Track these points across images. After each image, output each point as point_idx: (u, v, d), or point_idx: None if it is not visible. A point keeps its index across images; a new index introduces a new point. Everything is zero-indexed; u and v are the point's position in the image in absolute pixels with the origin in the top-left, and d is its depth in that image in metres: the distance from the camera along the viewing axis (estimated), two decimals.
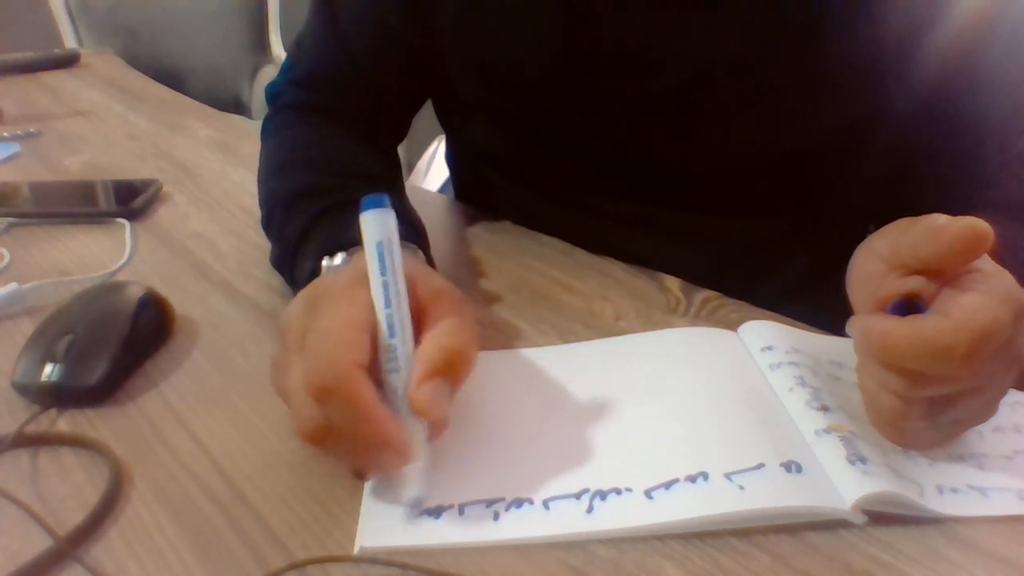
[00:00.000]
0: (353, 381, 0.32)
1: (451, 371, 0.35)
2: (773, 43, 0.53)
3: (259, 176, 0.62)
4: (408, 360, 0.35)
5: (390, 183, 0.60)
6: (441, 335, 0.36)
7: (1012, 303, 0.34)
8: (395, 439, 0.33)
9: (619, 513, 0.34)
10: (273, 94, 0.68)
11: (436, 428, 0.36)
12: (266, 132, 0.66)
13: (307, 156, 0.60)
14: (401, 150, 0.71)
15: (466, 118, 0.69)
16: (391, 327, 0.35)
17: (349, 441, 0.33)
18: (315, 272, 0.45)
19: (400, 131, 0.70)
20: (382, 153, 0.64)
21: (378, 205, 0.36)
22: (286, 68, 0.68)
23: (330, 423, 0.33)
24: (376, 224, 0.35)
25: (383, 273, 0.35)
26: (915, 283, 0.35)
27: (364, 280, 0.36)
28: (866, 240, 0.38)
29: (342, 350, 0.33)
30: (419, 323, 0.37)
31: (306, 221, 0.50)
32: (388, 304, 0.35)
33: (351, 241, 0.44)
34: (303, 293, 0.38)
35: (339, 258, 0.44)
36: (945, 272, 0.35)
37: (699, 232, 0.63)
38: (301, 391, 0.33)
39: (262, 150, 0.64)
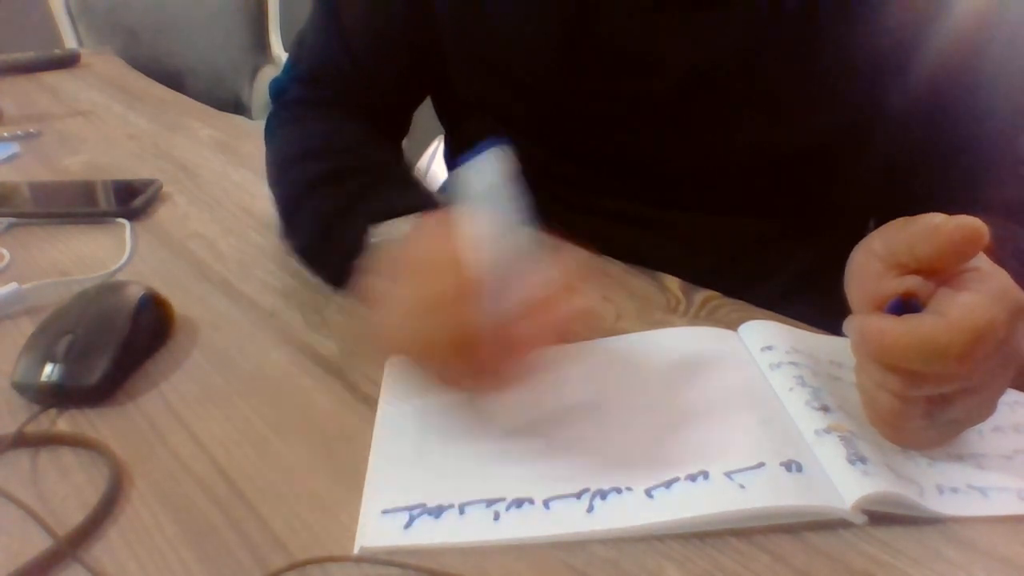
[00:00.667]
0: (473, 330, 0.36)
1: (551, 310, 0.38)
2: (773, 43, 0.53)
3: (273, 168, 0.62)
4: (513, 301, 0.37)
5: (408, 167, 0.62)
6: (544, 278, 0.38)
7: (1008, 302, 0.34)
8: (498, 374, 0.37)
9: (619, 512, 0.34)
10: (277, 91, 0.68)
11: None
12: (271, 127, 0.66)
13: (325, 144, 0.61)
14: None
15: (466, 116, 0.69)
16: (499, 267, 0.37)
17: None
18: (361, 239, 0.48)
19: (402, 126, 0.71)
20: (391, 144, 0.66)
21: (489, 151, 0.37)
22: (289, 65, 0.69)
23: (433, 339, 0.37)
24: (486, 170, 0.37)
25: (492, 213, 0.37)
26: (912, 282, 0.35)
27: (466, 228, 0.38)
28: (864, 239, 0.38)
29: (464, 292, 0.36)
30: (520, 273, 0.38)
31: (344, 199, 0.52)
32: (497, 245, 0.37)
33: (404, 209, 0.49)
34: (413, 243, 0.41)
35: (391, 227, 0.48)
36: (942, 271, 0.35)
37: (699, 231, 0.63)
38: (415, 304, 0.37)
39: (271, 144, 0.65)
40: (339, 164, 0.57)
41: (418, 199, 0.51)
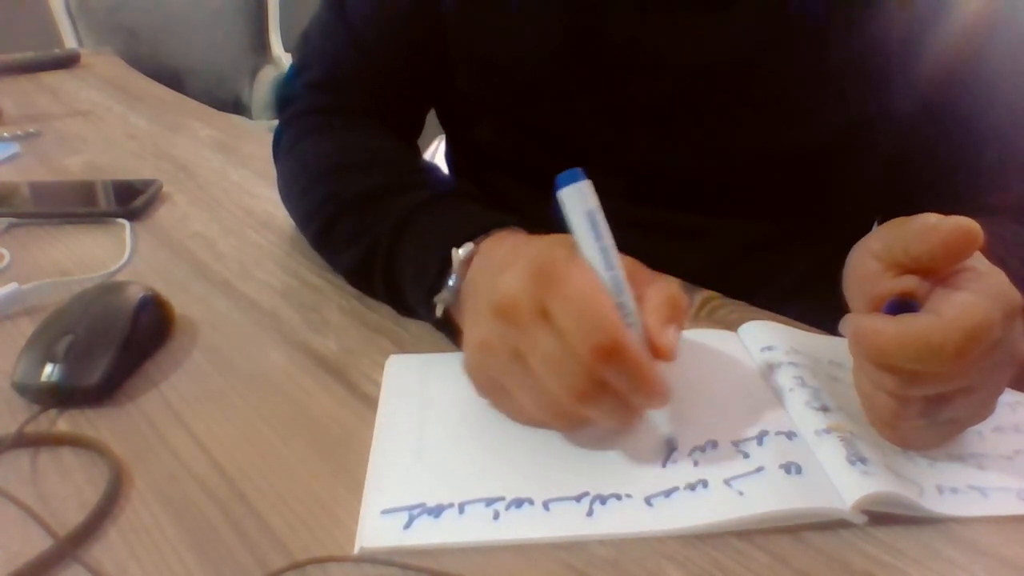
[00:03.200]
0: (628, 338, 0.34)
1: (679, 317, 0.38)
2: (776, 43, 0.53)
3: (299, 183, 0.60)
4: (635, 314, 0.37)
5: (442, 176, 0.60)
6: (662, 288, 0.38)
7: (1003, 302, 0.34)
8: (662, 383, 0.35)
9: (618, 518, 0.34)
10: (287, 98, 0.66)
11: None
12: (288, 138, 0.64)
13: (360, 159, 0.58)
14: None
15: (467, 116, 0.69)
16: (618, 286, 0.37)
17: (617, 396, 0.35)
18: (445, 263, 0.44)
19: (417, 125, 0.70)
20: (415, 149, 0.65)
21: (575, 179, 0.37)
22: (298, 70, 0.66)
23: (599, 382, 0.34)
24: (583, 195, 0.37)
25: (599, 239, 0.37)
26: (908, 282, 0.36)
27: (574, 250, 0.37)
28: (861, 240, 0.38)
29: (608, 311, 0.34)
30: None
31: (400, 216, 0.49)
32: (611, 266, 0.37)
33: (478, 229, 0.45)
34: (516, 269, 0.37)
35: (464, 250, 0.44)
36: (938, 271, 0.35)
37: (700, 233, 0.63)
38: (564, 356, 0.34)
39: (289, 158, 0.62)
40: (387, 178, 0.54)
41: (488, 218, 0.47)
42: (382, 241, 0.50)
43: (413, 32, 0.62)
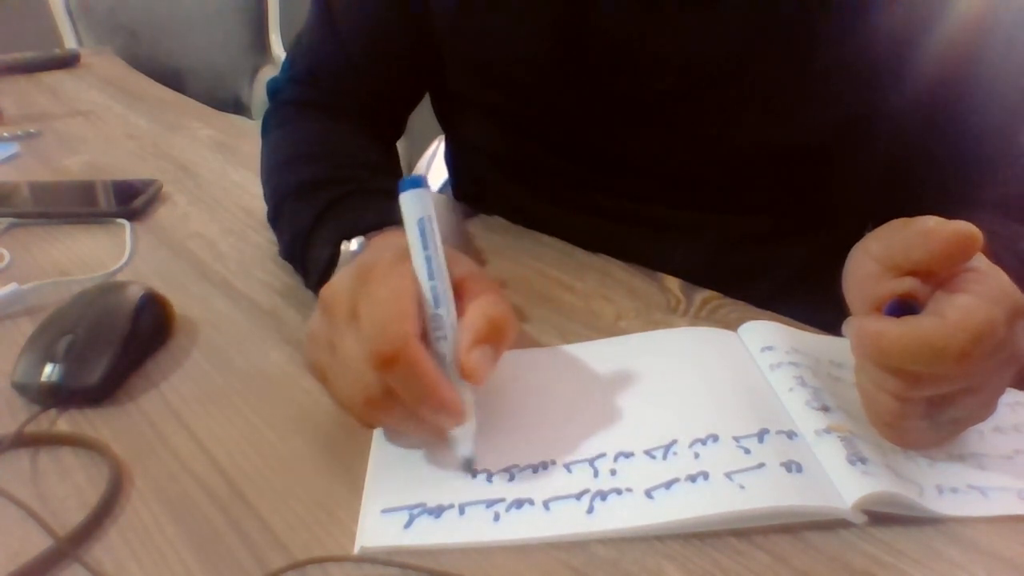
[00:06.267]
0: (414, 348, 0.34)
1: (496, 338, 0.37)
2: (769, 40, 0.53)
3: (263, 171, 0.63)
4: (453, 329, 0.37)
5: (395, 174, 0.61)
6: (484, 305, 0.37)
7: (1006, 302, 0.34)
8: (453, 401, 0.35)
9: (619, 513, 0.34)
10: (273, 90, 0.69)
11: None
12: (266, 128, 0.67)
13: (312, 150, 0.61)
14: (401, 150, 0.72)
15: (463, 115, 0.70)
16: (436, 298, 0.36)
17: (406, 406, 0.35)
18: (333, 256, 0.47)
19: (398, 127, 0.71)
20: (383, 147, 0.65)
21: (417, 184, 0.37)
22: (287, 65, 0.69)
23: (388, 390, 0.34)
24: (417, 201, 0.37)
25: (426, 248, 0.37)
26: (909, 284, 0.36)
27: (406, 256, 0.37)
28: (861, 241, 0.38)
29: (400, 320, 0.34)
30: (457, 299, 0.38)
31: (318, 210, 0.51)
32: (432, 276, 0.36)
33: (368, 226, 0.47)
34: (349, 269, 0.39)
35: (356, 242, 0.46)
36: (938, 273, 0.35)
37: (695, 228, 0.63)
38: (359, 360, 0.35)
39: (263, 145, 0.65)
40: (324, 171, 0.56)
41: (390, 213, 0.49)
42: (302, 232, 0.52)
43: (398, 32, 0.63)
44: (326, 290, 0.38)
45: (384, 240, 0.46)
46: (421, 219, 0.36)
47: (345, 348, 0.36)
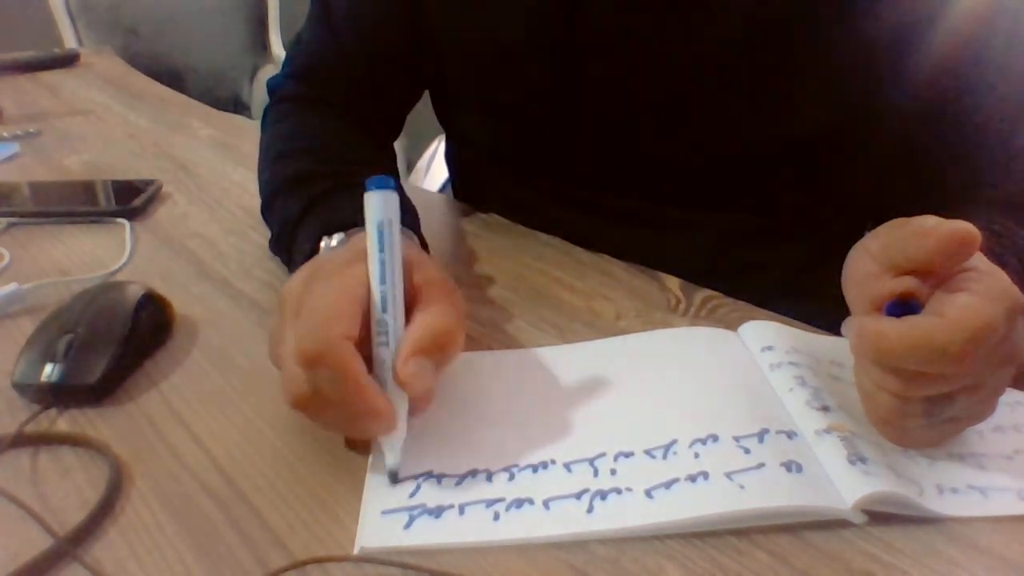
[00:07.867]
0: (339, 350, 0.34)
1: (437, 350, 0.36)
2: (766, 36, 0.53)
3: (259, 165, 0.63)
4: (397, 336, 0.36)
5: (387, 170, 0.61)
6: (430, 316, 0.37)
7: (1006, 302, 0.34)
8: (377, 407, 0.34)
9: (619, 513, 0.34)
10: (273, 87, 0.69)
11: (419, 403, 0.38)
12: (265, 123, 0.68)
13: (305, 144, 0.61)
14: (401, 150, 0.72)
15: (463, 114, 0.70)
16: (384, 302, 0.36)
17: (334, 408, 0.35)
18: (314, 251, 0.47)
19: (395, 126, 0.71)
20: (378, 144, 0.66)
21: (383, 186, 0.37)
22: (285, 63, 0.70)
23: (317, 390, 0.34)
24: (379, 204, 0.36)
25: (381, 251, 0.36)
26: (909, 283, 0.36)
27: (362, 257, 0.37)
28: (860, 241, 0.38)
29: (332, 321, 0.34)
30: (411, 306, 0.38)
31: (305, 203, 0.52)
32: (383, 281, 0.36)
33: (349, 222, 0.46)
34: (304, 268, 0.39)
35: (336, 238, 0.46)
36: (937, 272, 0.35)
37: (692, 225, 0.63)
38: (290, 358, 0.35)
39: (261, 140, 0.66)
40: (314, 165, 0.57)
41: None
42: (288, 226, 0.53)
43: (395, 30, 0.64)
44: (285, 286, 0.39)
45: (361, 238, 0.46)
46: (380, 222, 0.36)
47: (285, 345, 0.36)
